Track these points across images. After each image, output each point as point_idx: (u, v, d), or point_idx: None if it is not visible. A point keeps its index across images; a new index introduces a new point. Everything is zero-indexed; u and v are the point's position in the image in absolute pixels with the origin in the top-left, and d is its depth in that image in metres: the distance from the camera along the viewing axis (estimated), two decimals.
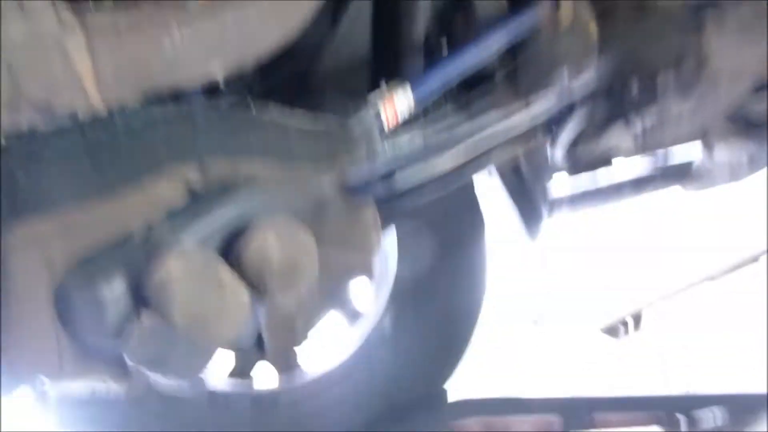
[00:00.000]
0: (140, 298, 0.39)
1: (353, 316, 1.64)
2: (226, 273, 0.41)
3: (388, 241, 1.57)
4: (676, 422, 1.79)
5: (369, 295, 1.66)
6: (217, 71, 0.61)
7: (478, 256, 1.57)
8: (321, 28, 0.77)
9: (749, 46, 1.18)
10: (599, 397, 1.80)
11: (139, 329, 0.38)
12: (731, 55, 1.17)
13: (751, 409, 1.57)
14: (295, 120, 0.51)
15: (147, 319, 0.38)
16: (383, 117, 0.53)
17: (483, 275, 1.57)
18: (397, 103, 0.54)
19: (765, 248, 6.68)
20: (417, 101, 0.56)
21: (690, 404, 1.64)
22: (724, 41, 1.10)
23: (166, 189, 0.43)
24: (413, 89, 0.56)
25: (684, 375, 2.83)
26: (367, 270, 1.03)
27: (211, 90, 0.75)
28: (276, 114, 0.52)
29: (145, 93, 0.57)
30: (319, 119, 0.53)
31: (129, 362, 0.39)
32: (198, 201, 0.46)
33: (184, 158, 0.43)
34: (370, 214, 0.48)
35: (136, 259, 0.40)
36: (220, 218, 0.45)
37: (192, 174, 0.44)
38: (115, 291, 0.38)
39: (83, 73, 0.49)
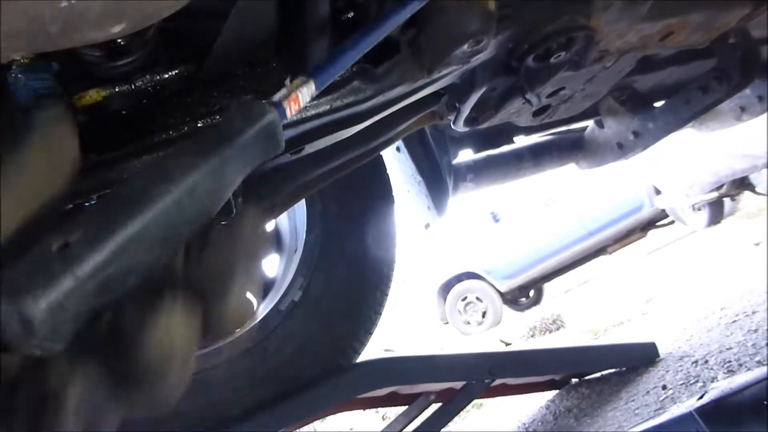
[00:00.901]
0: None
1: (262, 291, 1.64)
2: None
3: (299, 213, 1.58)
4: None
5: (278, 267, 1.66)
6: (116, 31, 0.60)
7: (387, 228, 1.60)
8: None
9: (633, 27, 1.28)
10: (499, 352, 1.91)
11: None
12: (617, 35, 1.27)
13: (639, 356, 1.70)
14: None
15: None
16: (286, 110, 0.54)
17: (392, 247, 1.61)
18: (300, 98, 0.56)
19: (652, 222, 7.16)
20: (319, 88, 0.57)
21: (583, 357, 1.77)
22: (611, 23, 1.19)
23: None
24: (316, 77, 0.57)
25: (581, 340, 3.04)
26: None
27: (111, 48, 0.73)
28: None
29: (38, 50, 0.55)
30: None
31: None
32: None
33: None
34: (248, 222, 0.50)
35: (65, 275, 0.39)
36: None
37: None
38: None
39: None
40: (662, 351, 1.72)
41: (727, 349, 1.45)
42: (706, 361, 1.42)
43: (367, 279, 1.55)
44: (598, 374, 1.81)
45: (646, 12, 1.26)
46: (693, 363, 1.45)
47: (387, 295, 1.61)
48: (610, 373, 1.77)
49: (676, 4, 1.30)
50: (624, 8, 1.19)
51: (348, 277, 1.52)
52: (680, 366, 1.49)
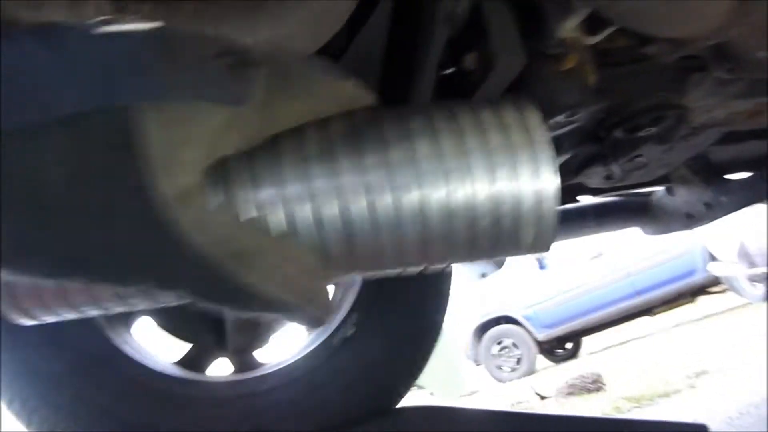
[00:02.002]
0: None
1: (315, 321, 1.65)
2: None
3: None
4: None
5: (333, 300, 1.67)
6: None
7: (444, 272, 1.60)
8: (338, 39, 0.79)
9: (721, 104, 1.26)
10: (546, 415, 1.86)
11: None
12: (705, 111, 1.25)
13: None
14: None
15: None
16: None
17: (447, 293, 1.61)
18: None
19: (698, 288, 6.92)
20: None
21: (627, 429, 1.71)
22: (700, 98, 1.17)
23: None
24: None
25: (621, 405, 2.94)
26: None
27: None
28: None
29: None
30: None
31: None
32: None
33: None
34: None
35: None
36: None
37: None
38: None
39: None
40: None
41: None
42: None
43: (420, 323, 1.55)
44: None
45: (738, 90, 1.25)
46: None
47: (436, 341, 1.60)
48: None
49: None
50: (717, 84, 1.18)
51: (403, 318, 1.52)
52: None
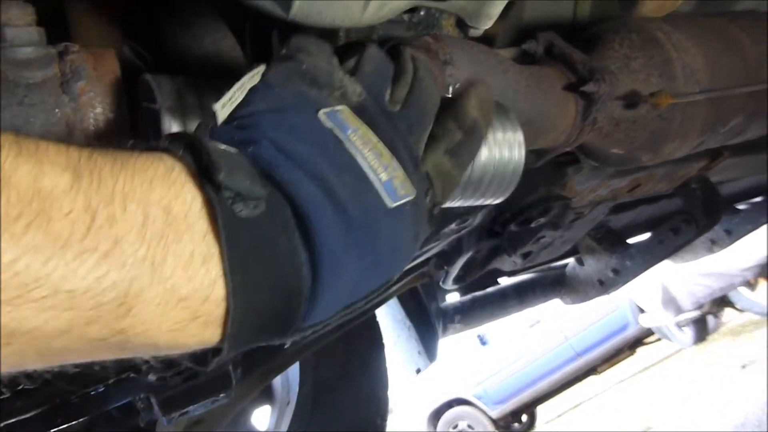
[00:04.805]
0: None
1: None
2: None
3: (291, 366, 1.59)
4: None
5: (270, 419, 1.64)
6: None
7: (379, 378, 1.61)
8: None
9: (603, 183, 1.38)
10: None
11: None
12: (589, 191, 1.37)
13: None
14: None
15: None
16: None
17: (385, 397, 1.61)
18: None
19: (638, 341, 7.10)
20: None
21: None
22: (583, 182, 1.29)
23: None
24: None
25: None
26: None
27: None
28: None
29: None
30: None
31: None
32: None
33: None
34: None
35: None
36: None
37: None
38: None
39: None
40: None
41: None
42: None
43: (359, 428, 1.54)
44: None
45: (614, 171, 1.38)
46: None
47: None
48: None
49: None
50: (593, 169, 1.30)
51: (342, 430, 1.51)
52: None
